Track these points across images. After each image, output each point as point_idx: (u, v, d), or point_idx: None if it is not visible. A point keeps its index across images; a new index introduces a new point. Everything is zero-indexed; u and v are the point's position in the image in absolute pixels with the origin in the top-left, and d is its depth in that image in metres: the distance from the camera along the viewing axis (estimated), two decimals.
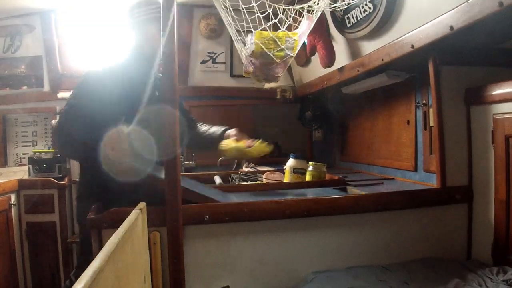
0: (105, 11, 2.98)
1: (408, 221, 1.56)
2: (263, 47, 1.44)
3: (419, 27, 1.44)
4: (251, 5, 1.33)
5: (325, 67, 2.14)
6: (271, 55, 1.45)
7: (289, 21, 1.44)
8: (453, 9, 1.25)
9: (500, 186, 1.40)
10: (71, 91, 1.61)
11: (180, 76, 2.37)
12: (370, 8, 1.65)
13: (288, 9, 1.43)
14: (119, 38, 3.05)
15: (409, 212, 1.55)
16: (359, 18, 1.75)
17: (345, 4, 1.59)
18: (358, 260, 1.48)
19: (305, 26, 1.52)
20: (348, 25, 1.85)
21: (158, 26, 1.59)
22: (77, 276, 1.62)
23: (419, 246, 1.54)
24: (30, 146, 3.01)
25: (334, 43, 2.11)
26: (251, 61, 1.50)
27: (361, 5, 1.70)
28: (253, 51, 1.47)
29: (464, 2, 1.20)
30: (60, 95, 2.93)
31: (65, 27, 3.01)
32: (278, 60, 1.48)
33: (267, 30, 1.44)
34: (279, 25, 1.43)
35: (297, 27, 1.52)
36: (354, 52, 1.95)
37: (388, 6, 1.56)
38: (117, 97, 1.48)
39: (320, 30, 2.03)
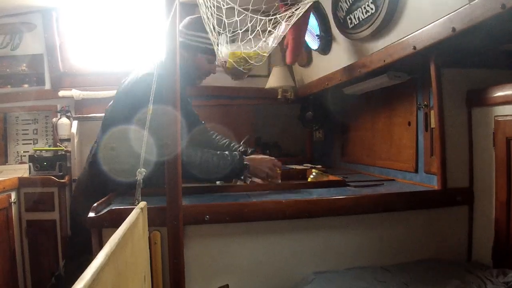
0: (107, 9, 2.98)
1: (408, 222, 1.56)
2: (235, 64, 1.61)
3: (421, 29, 1.43)
4: (233, 19, 1.42)
5: (288, 63, 2.20)
6: (241, 69, 1.64)
7: (266, 37, 1.59)
8: (455, 11, 1.25)
9: (501, 188, 1.39)
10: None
11: None
12: (372, 9, 1.65)
13: (269, 20, 1.54)
14: (121, 35, 3.06)
15: (409, 213, 1.55)
16: (361, 19, 1.75)
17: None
18: (358, 261, 1.48)
19: (282, 29, 1.62)
20: (350, 26, 1.85)
21: (209, 59, 1.81)
22: (68, 273, 1.60)
23: (419, 248, 1.54)
24: (30, 144, 3.01)
25: (335, 44, 2.11)
26: (223, 64, 1.68)
27: (363, 6, 1.70)
28: (226, 63, 1.64)
29: (466, 4, 1.20)
30: (61, 93, 2.93)
31: (66, 25, 3.01)
32: (246, 71, 1.67)
33: (240, 49, 1.60)
34: (252, 41, 1.56)
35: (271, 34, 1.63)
36: (355, 53, 1.95)
37: (390, 7, 1.55)
38: None
39: (299, 26, 2.00)
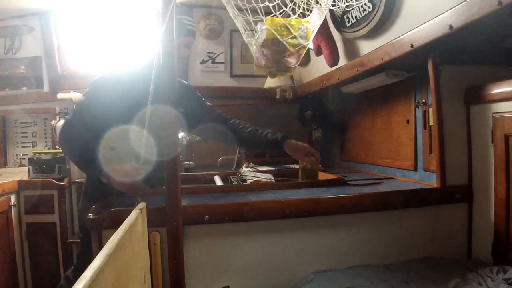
0: (105, 11, 2.98)
1: (408, 220, 1.56)
2: (275, 33, 1.36)
3: (418, 27, 1.44)
4: None
5: (331, 66, 2.13)
6: (284, 42, 1.38)
7: (300, 10, 1.38)
8: (452, 8, 1.25)
9: (500, 185, 1.40)
10: (84, 93, 1.71)
11: None
12: (369, 7, 1.65)
13: None
14: (119, 38, 3.06)
15: (409, 211, 1.55)
16: (358, 18, 1.75)
17: (355, 1, 1.57)
18: (358, 259, 1.48)
19: (316, 15, 1.46)
20: (348, 25, 1.85)
21: (192, 40, 1.71)
22: (76, 276, 1.60)
23: (419, 246, 1.54)
24: (29, 146, 3.01)
25: None
26: (262, 52, 1.43)
27: (361, 4, 1.70)
28: (264, 39, 1.39)
29: (463, 1, 1.20)
30: (60, 95, 2.93)
31: (64, 28, 3.00)
32: (291, 48, 1.41)
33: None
34: (290, 13, 1.38)
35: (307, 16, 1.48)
36: (353, 51, 1.95)
37: (387, 5, 1.56)
38: (126, 102, 1.52)
39: (323, 29, 2.02)
